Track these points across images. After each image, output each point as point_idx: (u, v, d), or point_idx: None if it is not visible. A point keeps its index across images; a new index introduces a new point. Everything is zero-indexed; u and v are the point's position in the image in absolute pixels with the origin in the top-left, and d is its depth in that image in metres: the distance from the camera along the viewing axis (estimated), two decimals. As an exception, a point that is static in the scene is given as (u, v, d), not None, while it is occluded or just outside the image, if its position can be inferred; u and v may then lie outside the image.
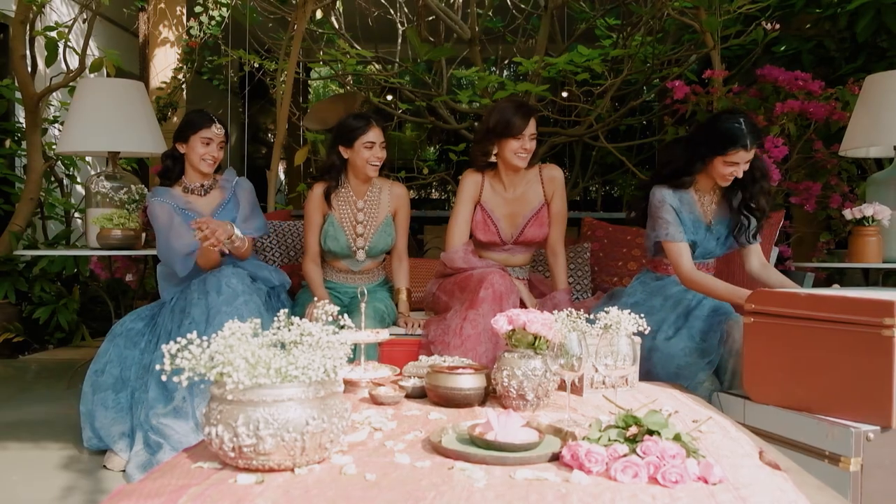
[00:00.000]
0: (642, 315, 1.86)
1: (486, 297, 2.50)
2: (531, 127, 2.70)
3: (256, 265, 2.81)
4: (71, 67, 4.71)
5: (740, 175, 2.45)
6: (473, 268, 2.75)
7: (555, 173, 2.89)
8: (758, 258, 2.64)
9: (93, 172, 5.22)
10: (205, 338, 1.27)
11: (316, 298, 2.75)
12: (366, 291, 2.09)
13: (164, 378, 1.24)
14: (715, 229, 2.59)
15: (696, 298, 2.57)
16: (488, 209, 2.83)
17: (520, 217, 2.85)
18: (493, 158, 2.78)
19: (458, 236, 2.83)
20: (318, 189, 2.87)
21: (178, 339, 1.25)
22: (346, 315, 1.67)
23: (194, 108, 2.89)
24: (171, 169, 2.86)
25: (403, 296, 2.92)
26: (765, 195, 2.54)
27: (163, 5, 6.12)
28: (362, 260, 2.90)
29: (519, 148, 2.70)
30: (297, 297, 2.93)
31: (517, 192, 2.86)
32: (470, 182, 2.85)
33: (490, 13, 5.35)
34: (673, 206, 2.52)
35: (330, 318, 1.45)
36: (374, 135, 2.78)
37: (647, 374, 2.40)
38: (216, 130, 2.78)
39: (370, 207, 2.89)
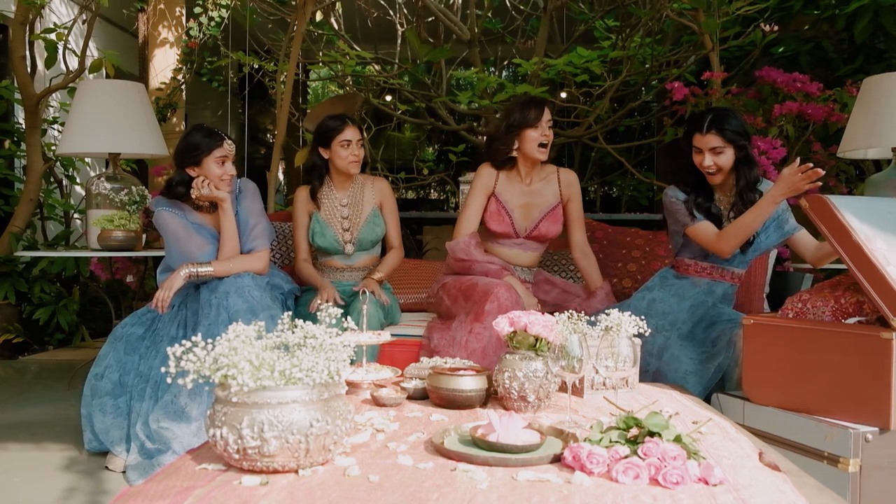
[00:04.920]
0: (644, 317, 1.86)
1: (491, 311, 2.49)
2: (547, 114, 2.78)
3: (268, 273, 2.73)
4: (70, 68, 4.71)
5: (709, 163, 2.47)
6: (473, 260, 2.76)
7: (571, 178, 2.95)
8: (810, 241, 2.53)
9: (92, 173, 5.24)
10: (209, 340, 1.28)
11: (319, 291, 2.76)
12: (367, 292, 2.11)
13: (168, 381, 1.25)
14: None
15: (712, 302, 2.56)
16: (503, 200, 2.84)
17: (536, 210, 2.87)
18: (513, 153, 2.81)
19: (464, 227, 2.84)
20: (303, 191, 2.98)
21: (184, 341, 1.25)
22: (348, 317, 1.68)
23: (196, 125, 2.71)
24: (183, 194, 2.66)
25: (375, 276, 2.88)
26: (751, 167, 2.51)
27: (162, 6, 6.13)
28: (351, 253, 2.95)
29: (539, 136, 2.76)
30: (298, 299, 2.93)
31: (534, 185, 2.89)
32: (485, 174, 2.87)
33: (489, 14, 5.36)
34: (683, 200, 2.55)
35: (333, 321, 1.46)
36: (350, 133, 2.87)
37: (656, 374, 2.41)
38: (228, 147, 2.61)
39: (354, 203, 2.97)
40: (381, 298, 2.76)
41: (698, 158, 2.50)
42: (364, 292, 2.09)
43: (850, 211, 1.92)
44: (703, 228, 2.50)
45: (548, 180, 2.92)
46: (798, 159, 2.23)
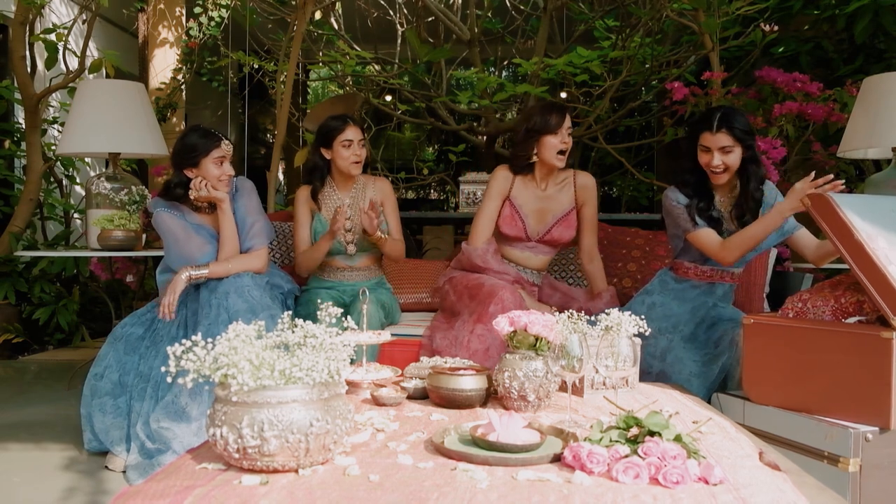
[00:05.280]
0: (643, 318, 1.86)
1: (495, 313, 2.49)
2: (567, 121, 2.77)
3: (267, 272, 2.72)
4: (70, 68, 4.71)
5: (718, 162, 2.44)
6: (489, 268, 2.77)
7: (588, 182, 2.92)
8: (810, 240, 2.54)
9: (92, 173, 5.24)
10: (209, 340, 1.28)
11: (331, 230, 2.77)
12: (367, 292, 2.11)
13: (169, 380, 1.25)
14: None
15: (712, 302, 2.56)
16: (517, 204, 2.83)
17: (549, 215, 2.86)
18: (533, 159, 2.80)
19: (481, 232, 2.83)
20: (305, 190, 2.97)
21: (184, 340, 1.25)
22: (348, 317, 1.68)
23: (192, 126, 2.70)
24: (181, 196, 2.63)
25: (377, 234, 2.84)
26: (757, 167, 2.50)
27: (162, 6, 6.14)
28: (354, 253, 2.93)
29: (558, 143, 2.74)
30: (298, 299, 2.93)
31: (549, 190, 2.88)
32: (500, 177, 2.86)
33: (489, 14, 5.36)
34: (685, 205, 2.54)
35: (333, 320, 1.46)
36: (352, 133, 2.85)
37: (659, 376, 2.41)
38: (226, 147, 2.60)
39: (356, 203, 2.95)
40: (376, 234, 2.76)
41: (706, 158, 2.46)
42: (364, 292, 2.08)
43: (852, 209, 1.91)
44: (706, 236, 2.48)
45: (564, 185, 2.89)
46: (813, 173, 2.19)
